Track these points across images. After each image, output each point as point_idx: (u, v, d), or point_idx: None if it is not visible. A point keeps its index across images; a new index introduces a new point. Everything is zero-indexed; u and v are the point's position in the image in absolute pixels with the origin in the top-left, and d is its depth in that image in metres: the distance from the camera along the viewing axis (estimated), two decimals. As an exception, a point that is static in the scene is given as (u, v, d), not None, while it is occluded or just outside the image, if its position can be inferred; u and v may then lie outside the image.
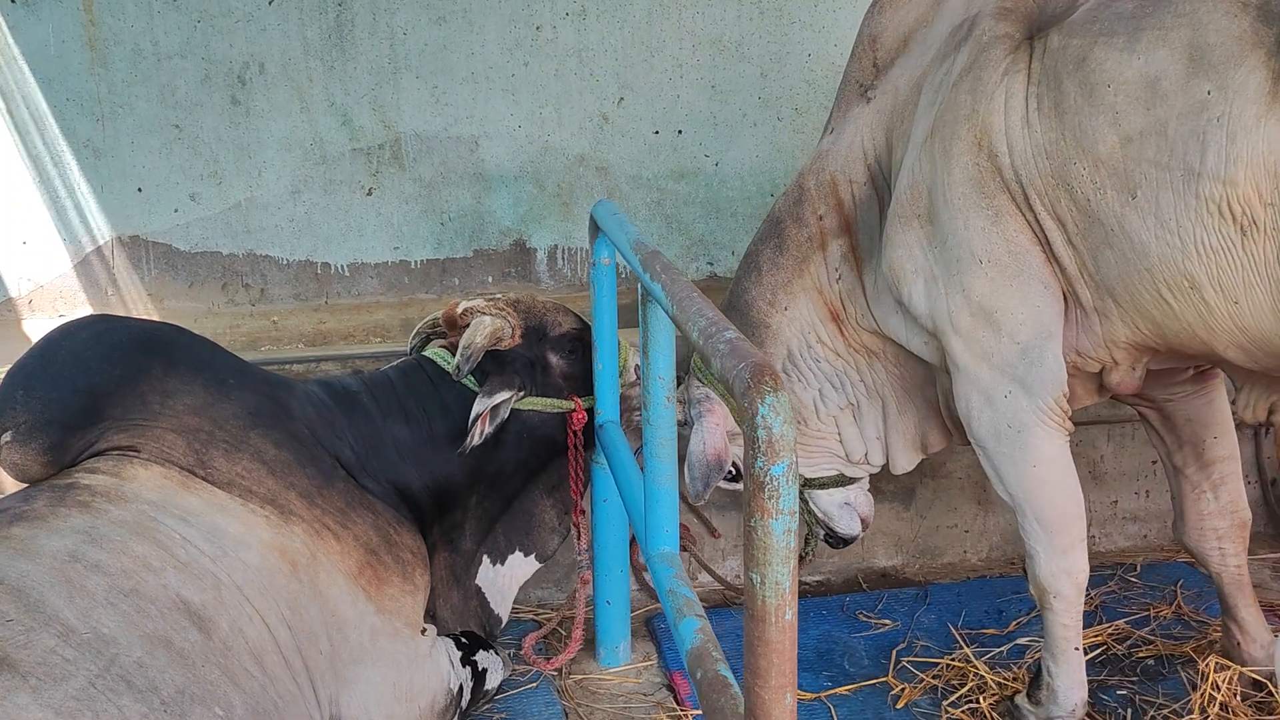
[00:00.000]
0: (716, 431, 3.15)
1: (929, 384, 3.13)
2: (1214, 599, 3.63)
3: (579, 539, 3.27)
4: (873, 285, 3.06)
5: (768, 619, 1.56)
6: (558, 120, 4.27)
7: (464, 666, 3.00)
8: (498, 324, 3.13)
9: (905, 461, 3.27)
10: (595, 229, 3.06)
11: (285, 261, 4.24)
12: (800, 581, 3.92)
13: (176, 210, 4.14)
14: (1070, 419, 2.72)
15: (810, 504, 3.32)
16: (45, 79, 3.99)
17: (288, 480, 2.72)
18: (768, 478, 1.50)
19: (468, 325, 3.15)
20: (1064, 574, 2.75)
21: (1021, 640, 3.39)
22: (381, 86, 4.16)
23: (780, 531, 1.52)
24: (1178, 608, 3.58)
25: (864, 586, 3.85)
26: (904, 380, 3.15)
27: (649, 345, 2.31)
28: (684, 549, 3.65)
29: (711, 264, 4.49)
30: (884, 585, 3.86)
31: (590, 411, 3.18)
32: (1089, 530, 4.06)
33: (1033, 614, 3.57)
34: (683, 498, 3.49)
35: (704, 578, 3.91)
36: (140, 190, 4.11)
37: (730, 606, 3.74)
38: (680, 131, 4.36)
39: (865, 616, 3.61)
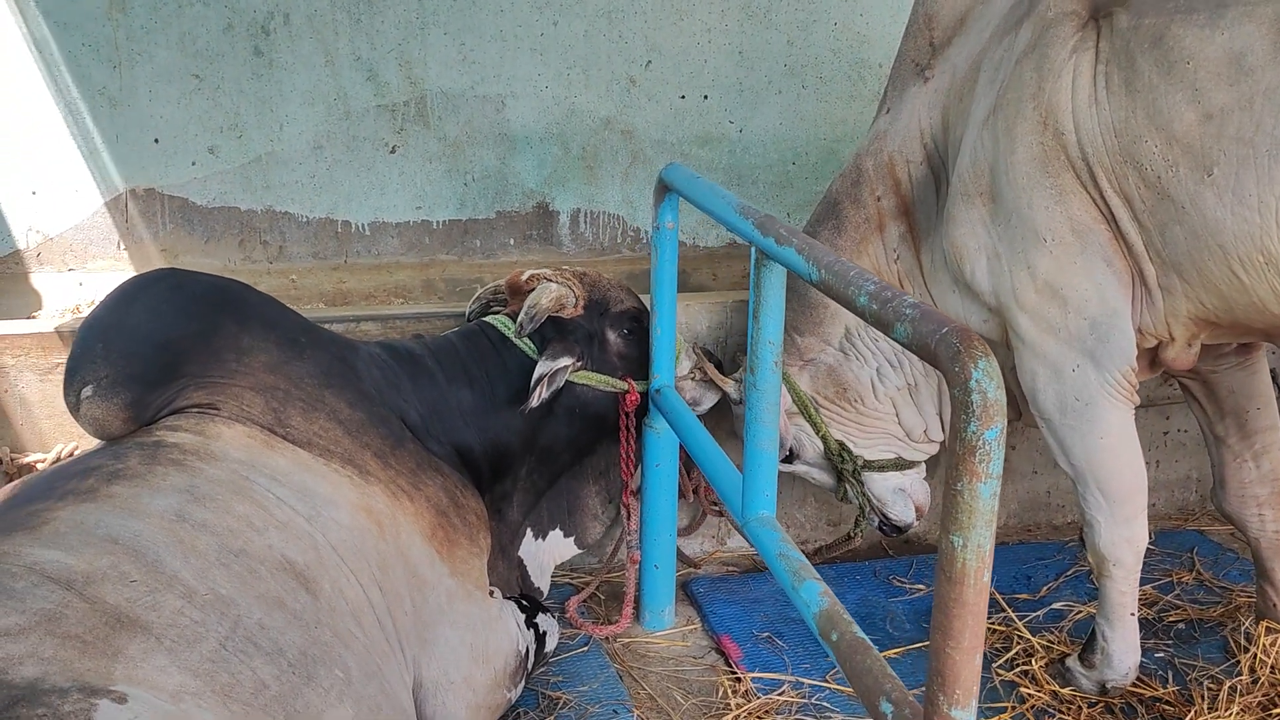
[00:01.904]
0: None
1: None
2: (1230, 565, 3.78)
3: (629, 520, 3.29)
4: (930, 264, 3.09)
5: (966, 581, 1.59)
6: (585, 82, 4.23)
7: (528, 629, 2.99)
8: (563, 291, 3.13)
9: None
10: (663, 192, 3.04)
11: (305, 219, 4.15)
12: (827, 546, 3.98)
13: (194, 163, 4.02)
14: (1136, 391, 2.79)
15: (866, 487, 3.35)
16: (60, 23, 3.84)
17: (363, 440, 2.69)
18: (980, 441, 1.52)
19: (531, 291, 3.14)
20: (1125, 542, 2.82)
21: (1056, 605, 3.48)
22: (408, 42, 4.07)
23: (987, 495, 1.54)
24: (1198, 574, 3.70)
25: (889, 553, 3.91)
26: None
27: (760, 309, 2.32)
28: (720, 513, 3.69)
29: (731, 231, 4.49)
30: (909, 551, 3.93)
31: (644, 394, 3.20)
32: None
33: (1061, 579, 3.68)
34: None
35: (732, 542, 3.95)
36: (157, 141, 3.98)
37: (761, 570, 3.78)
38: (706, 97, 4.35)
39: (899, 581, 3.67)
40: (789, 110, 4.41)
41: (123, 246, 4.03)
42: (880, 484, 3.34)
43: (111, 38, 3.88)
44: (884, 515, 3.38)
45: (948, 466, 1.57)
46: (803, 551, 3.57)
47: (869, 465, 3.31)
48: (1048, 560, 3.83)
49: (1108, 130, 2.54)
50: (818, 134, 4.45)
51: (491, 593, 2.91)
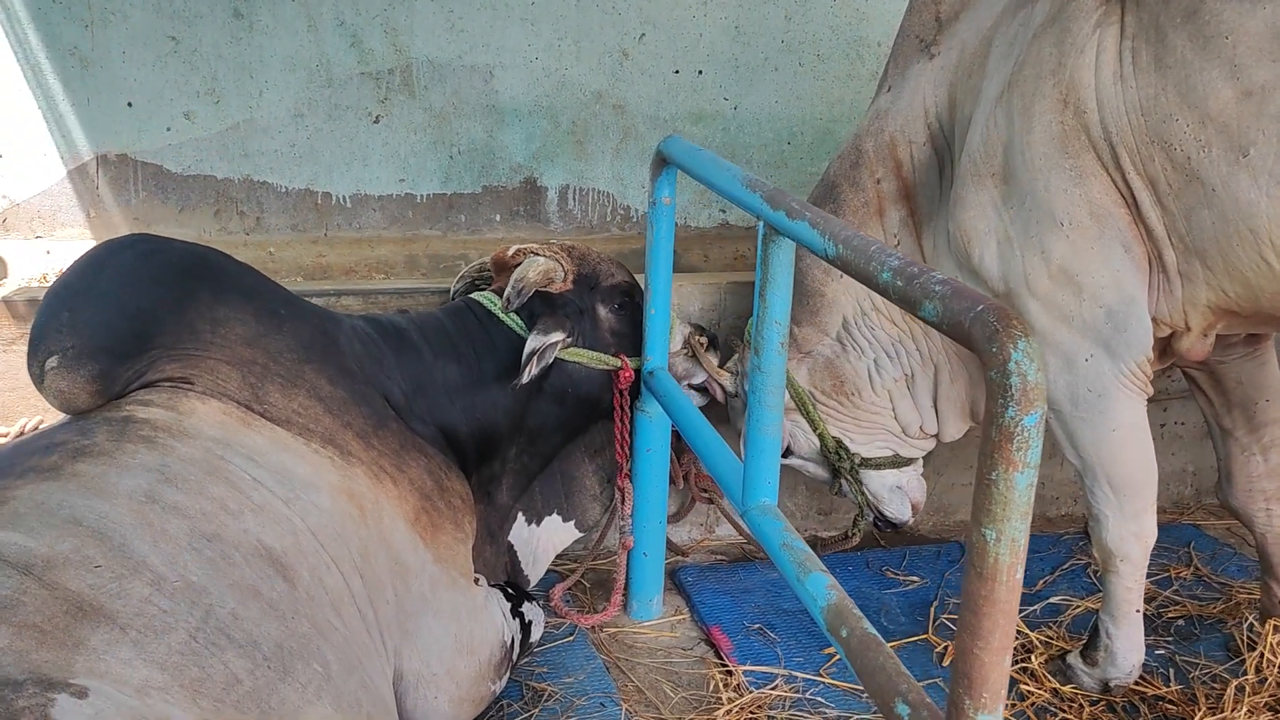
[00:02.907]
0: None
1: None
2: (1228, 561, 3.71)
3: (623, 504, 3.18)
4: (931, 249, 2.99)
5: (999, 577, 1.48)
6: (576, 54, 4.10)
7: (513, 619, 2.88)
8: (551, 264, 3.01)
9: (954, 429, 3.22)
10: (660, 165, 2.93)
11: (284, 189, 4.00)
12: (817, 537, 3.88)
13: (169, 129, 3.87)
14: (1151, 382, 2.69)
15: (863, 485, 3.24)
16: (29, -22, 3.68)
17: (344, 419, 2.56)
18: (1019, 428, 1.41)
19: (518, 266, 3.02)
20: (1133, 538, 2.73)
21: (1054, 599, 3.40)
22: (394, 7, 3.93)
23: (1024, 485, 1.44)
24: (1195, 569, 3.63)
25: (882, 543, 3.82)
26: (958, 346, 3.10)
27: (768, 287, 2.20)
28: (710, 500, 3.58)
29: (724, 211, 4.38)
30: (901, 542, 3.83)
31: (638, 371, 3.08)
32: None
33: (1057, 573, 3.59)
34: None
35: (721, 530, 3.85)
36: (130, 105, 3.82)
37: (751, 560, 3.67)
38: (700, 72, 4.22)
39: (892, 573, 3.58)
40: (785, 88, 4.29)
41: (92, 214, 3.88)
42: (877, 481, 3.24)
43: (84, -5, 3.72)
44: (880, 513, 3.28)
45: (981, 453, 1.46)
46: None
47: (866, 463, 3.20)
48: (1043, 553, 3.74)
49: (1134, 109, 2.43)
50: (814, 113, 4.33)
51: (477, 580, 2.79)
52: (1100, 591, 3.39)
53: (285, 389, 2.48)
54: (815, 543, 3.72)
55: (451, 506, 2.76)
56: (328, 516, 2.33)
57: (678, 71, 4.20)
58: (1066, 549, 3.74)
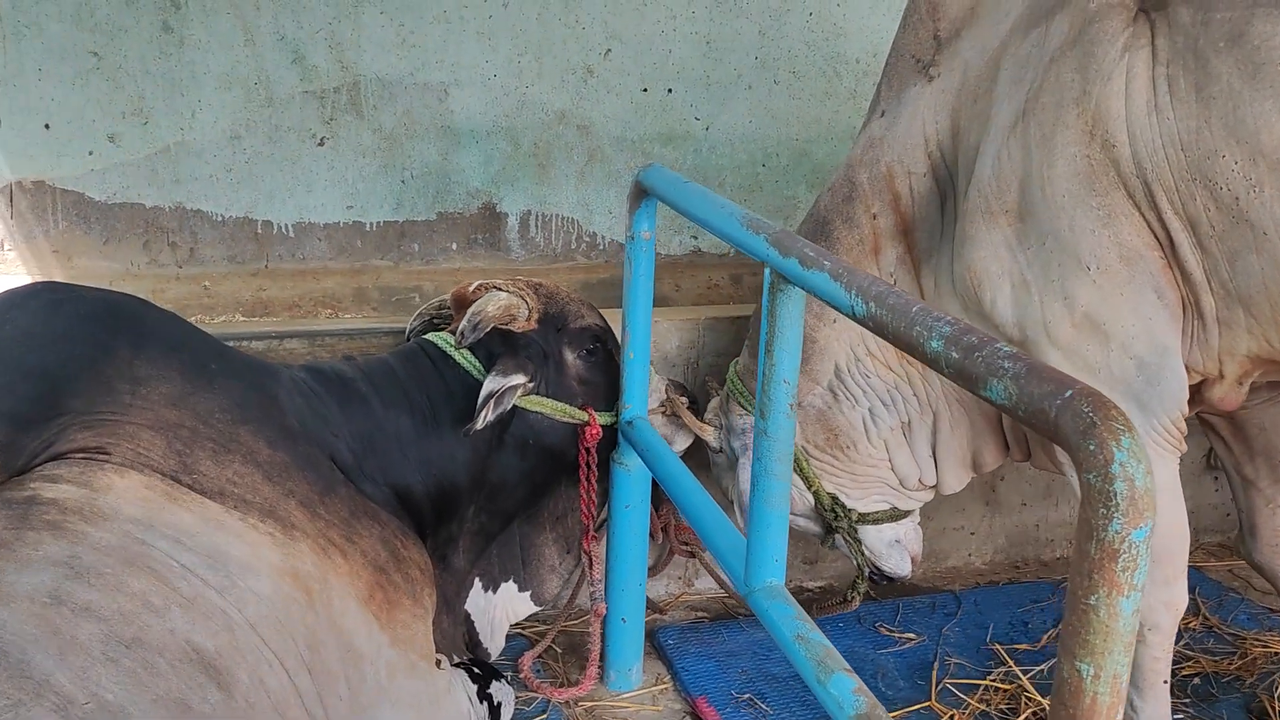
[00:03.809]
0: None
1: None
2: (1236, 609, 3.51)
3: (590, 569, 2.90)
4: (932, 289, 2.74)
5: (1096, 720, 1.22)
6: (537, 71, 3.81)
7: (480, 702, 2.59)
8: (513, 300, 2.74)
9: (955, 481, 2.97)
10: (640, 196, 2.66)
11: (220, 218, 3.67)
12: (803, 588, 3.63)
13: (91, 153, 3.53)
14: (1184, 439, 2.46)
15: (861, 542, 2.98)
16: (-68, -13, 3.33)
17: (286, 487, 2.26)
18: (1125, 544, 1.16)
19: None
20: (1164, 606, 2.49)
21: (1061, 658, 3.16)
22: (340, 21, 3.62)
23: (1129, 613, 1.18)
24: (1204, 618, 3.42)
25: (873, 595, 3.56)
26: (960, 392, 2.85)
27: (775, 342, 1.93)
28: (691, 554, 3.32)
29: (695, 238, 4.12)
30: (891, 592, 3.58)
31: (606, 429, 2.80)
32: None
33: (1059, 626, 3.36)
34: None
35: (700, 583, 3.58)
36: (48, 127, 3.48)
37: (734, 616, 3.41)
38: (670, 90, 3.96)
39: (887, 630, 3.33)
40: (759, 107, 4.04)
41: (6, 247, 3.52)
42: (875, 537, 2.98)
43: (-6, 6, 3.37)
44: (878, 568, 3.02)
45: (1075, 572, 1.20)
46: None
47: (863, 518, 2.95)
48: (1042, 603, 3.52)
49: (1172, 143, 2.19)
50: (789, 133, 4.08)
51: (439, 661, 2.49)
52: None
53: (218, 455, 2.18)
54: (802, 595, 3.46)
55: (409, 579, 2.47)
56: (269, 605, 2.02)
57: (646, 90, 3.93)
58: (1067, 598, 3.51)
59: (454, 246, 3.89)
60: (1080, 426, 1.18)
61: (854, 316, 1.64)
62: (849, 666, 1.82)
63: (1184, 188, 2.21)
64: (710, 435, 3.01)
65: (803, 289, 1.83)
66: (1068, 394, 1.21)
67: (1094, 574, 1.17)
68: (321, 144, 3.70)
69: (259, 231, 3.71)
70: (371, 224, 3.80)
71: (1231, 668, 3.14)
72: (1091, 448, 1.16)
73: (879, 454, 2.92)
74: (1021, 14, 2.55)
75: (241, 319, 3.62)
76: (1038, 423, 1.24)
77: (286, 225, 3.73)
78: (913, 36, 2.80)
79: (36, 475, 2.01)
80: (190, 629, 1.84)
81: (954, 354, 1.39)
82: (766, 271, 1.94)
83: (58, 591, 1.74)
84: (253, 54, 3.58)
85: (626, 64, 3.89)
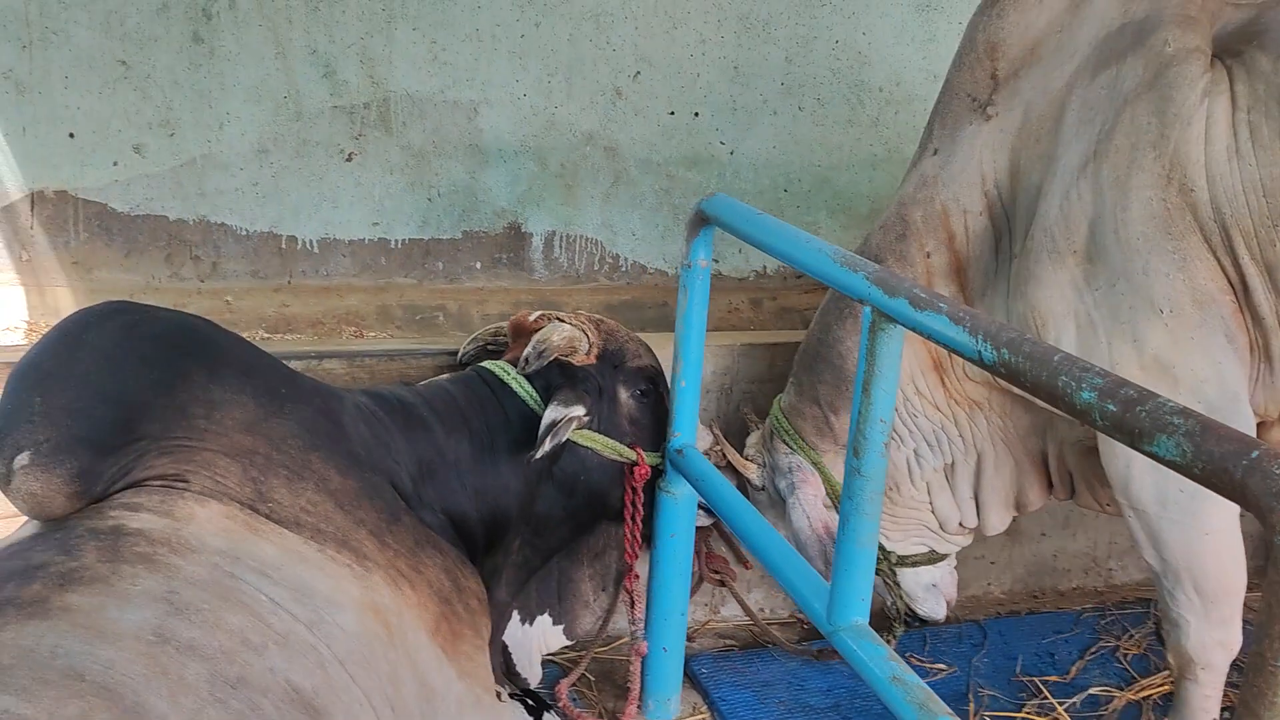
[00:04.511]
0: (816, 503, 2.86)
1: (1034, 435, 2.85)
2: (1254, 641, 3.55)
3: (633, 608, 2.88)
4: None
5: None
6: (567, 91, 3.80)
7: (535, 734, 2.56)
8: (577, 333, 2.73)
9: (998, 521, 2.99)
10: (699, 224, 2.66)
11: (244, 232, 3.61)
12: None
13: (116, 163, 3.46)
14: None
15: (900, 585, 3.00)
16: (-41, -9, 3.24)
17: (356, 516, 2.23)
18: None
19: (538, 331, 2.73)
20: (1219, 646, 2.53)
21: (1092, 690, 3.19)
22: (372, 36, 3.58)
23: (1319, 674, 1.18)
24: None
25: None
26: (1006, 432, 2.86)
27: (874, 382, 1.93)
28: (721, 583, 3.30)
29: (717, 261, 4.12)
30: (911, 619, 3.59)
31: (654, 469, 2.80)
32: (1107, 562, 3.94)
33: (1087, 657, 3.39)
34: (716, 524, 3.15)
35: (726, 610, 3.57)
36: (72, 136, 3.41)
37: (762, 645, 3.40)
38: (696, 114, 3.96)
39: (917, 660, 3.34)
40: (783, 133, 4.05)
41: (25, 258, 3.44)
42: (912, 580, 2.99)
43: (21, 12, 3.29)
44: (911, 610, 3.03)
45: (1263, 634, 1.21)
46: (805, 638, 3.21)
47: (902, 561, 2.96)
48: (1066, 634, 3.55)
49: (1254, 189, 2.23)
50: (812, 159, 4.10)
51: (499, 694, 2.46)
52: (1138, 681, 3.20)
53: (291, 483, 2.14)
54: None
55: (470, 609, 2.44)
56: (355, 640, 1.99)
57: (673, 113, 3.93)
58: (1089, 629, 3.55)
59: (478, 265, 3.86)
60: (1273, 488, 1.18)
61: (981, 363, 1.64)
62: (949, 710, 1.82)
63: (1263, 233, 2.24)
64: (754, 474, 3.00)
65: (911, 330, 1.83)
66: (1254, 455, 1.22)
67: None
68: (349, 160, 3.65)
69: (283, 247, 3.66)
70: (396, 241, 3.76)
71: (1258, 700, 3.18)
72: (1288, 511, 1.17)
73: (920, 496, 2.93)
74: (1088, 56, 2.57)
75: (264, 335, 3.56)
76: (1219, 483, 1.25)
77: (311, 241, 3.68)
78: (969, 75, 2.81)
79: (116, 504, 1.96)
80: (289, 667, 1.80)
81: (1110, 407, 1.39)
82: (866, 310, 1.94)
83: (161, 629, 1.69)
84: (283, 67, 3.53)
85: (655, 87, 3.89)
